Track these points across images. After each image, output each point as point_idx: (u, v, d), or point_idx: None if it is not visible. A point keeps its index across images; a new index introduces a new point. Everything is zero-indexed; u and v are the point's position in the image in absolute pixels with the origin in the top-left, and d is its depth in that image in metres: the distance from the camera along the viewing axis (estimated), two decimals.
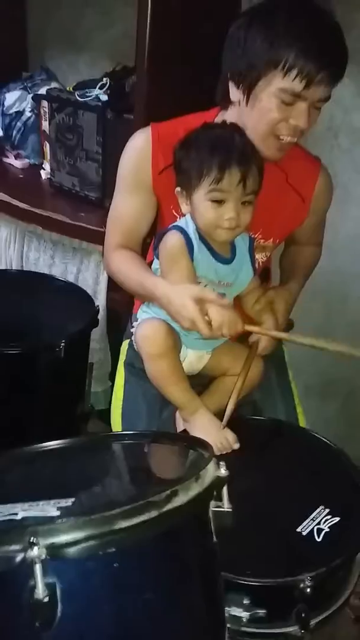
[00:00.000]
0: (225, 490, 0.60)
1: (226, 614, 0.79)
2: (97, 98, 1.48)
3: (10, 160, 1.92)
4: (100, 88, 1.48)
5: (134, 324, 1.18)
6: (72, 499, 0.54)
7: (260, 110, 0.99)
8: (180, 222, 1.03)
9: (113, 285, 1.60)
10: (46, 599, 0.46)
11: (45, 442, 0.80)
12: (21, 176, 1.87)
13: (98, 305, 1.47)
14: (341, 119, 1.48)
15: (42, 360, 1.30)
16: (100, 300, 1.66)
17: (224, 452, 0.97)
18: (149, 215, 1.16)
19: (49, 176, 1.75)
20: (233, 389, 1.04)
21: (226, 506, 0.60)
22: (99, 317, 1.64)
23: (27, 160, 1.89)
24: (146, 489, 0.54)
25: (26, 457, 0.78)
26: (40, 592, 0.46)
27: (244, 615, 0.79)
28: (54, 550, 0.47)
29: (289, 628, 0.80)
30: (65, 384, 1.37)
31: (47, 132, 1.69)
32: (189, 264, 1.00)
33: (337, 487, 0.92)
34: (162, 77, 1.31)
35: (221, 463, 0.61)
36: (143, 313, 1.13)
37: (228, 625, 0.79)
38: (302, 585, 0.76)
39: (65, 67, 1.90)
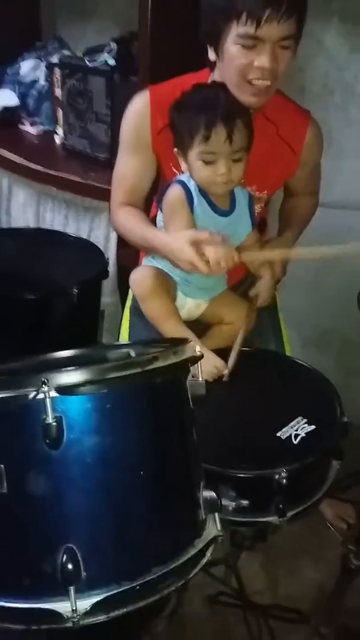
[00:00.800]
0: (199, 365, 0.73)
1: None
2: (106, 63, 1.58)
3: (27, 127, 2.03)
4: (108, 53, 1.57)
5: None
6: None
7: (229, 60, 1.06)
8: (182, 176, 1.12)
9: (123, 242, 1.72)
10: (55, 424, 0.61)
11: None
12: (36, 142, 1.98)
13: (108, 257, 1.59)
14: (336, 75, 1.55)
15: (57, 305, 1.42)
16: (111, 256, 1.77)
17: (216, 378, 1.07)
18: (150, 173, 1.25)
19: (62, 140, 1.85)
20: (234, 342, 1.13)
21: (200, 379, 0.73)
22: (110, 272, 1.77)
23: (41, 127, 2.00)
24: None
25: None
26: (50, 419, 0.61)
27: (230, 504, 0.91)
28: (60, 390, 0.61)
29: (269, 517, 0.93)
30: (78, 328, 1.48)
31: (60, 98, 1.79)
32: (189, 215, 1.09)
33: (315, 402, 1.03)
34: (164, 41, 1.40)
35: (197, 346, 0.74)
36: (146, 262, 1.24)
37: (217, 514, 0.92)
38: (278, 477, 0.88)
39: (76, 35, 1.99)
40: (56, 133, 1.92)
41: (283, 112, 1.21)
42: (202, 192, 1.10)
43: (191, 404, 0.73)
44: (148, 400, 0.67)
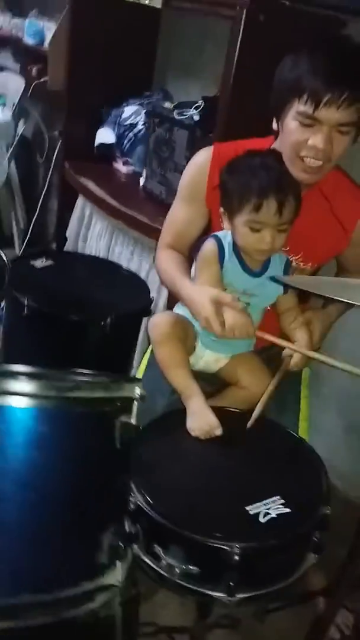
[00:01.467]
0: (135, 408, 0.72)
1: (164, 562, 0.89)
2: (191, 117, 1.66)
3: (119, 165, 2.17)
4: (195, 109, 1.66)
5: None
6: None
7: (286, 133, 1.09)
8: (220, 232, 1.15)
9: None
10: None
11: None
12: (123, 180, 2.11)
13: (154, 297, 1.63)
14: None
15: (91, 331, 1.48)
16: (162, 297, 1.82)
17: (208, 437, 1.04)
18: (199, 223, 1.29)
19: (144, 182, 1.95)
20: (263, 394, 1.10)
21: (133, 421, 0.71)
22: (159, 309, 1.81)
23: (132, 167, 2.13)
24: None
25: None
26: None
27: (179, 567, 0.87)
28: None
29: (217, 593, 0.87)
30: (108, 360, 1.53)
31: (149, 143, 1.90)
32: (217, 271, 1.11)
33: (300, 487, 0.97)
34: (242, 105, 1.45)
35: (138, 388, 0.73)
36: (177, 308, 1.26)
37: (165, 573, 0.89)
38: (230, 551, 0.83)
39: (180, 90, 2.11)
40: (142, 175, 2.03)
41: (339, 190, 1.21)
42: (236, 249, 1.12)
43: (118, 443, 0.72)
44: (60, 426, 0.68)
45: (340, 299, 0.92)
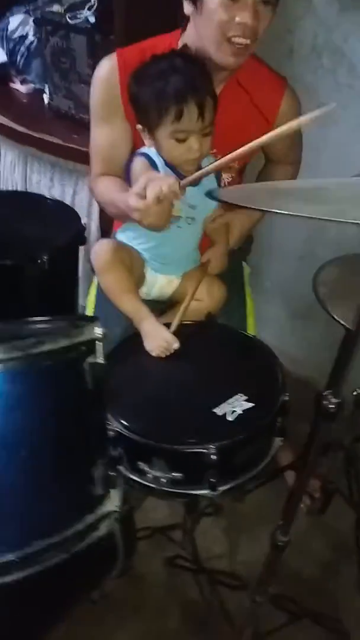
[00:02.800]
0: (100, 347, 0.73)
1: (149, 475, 0.94)
2: (87, 20, 1.53)
3: (17, 85, 2.00)
4: (89, 9, 1.52)
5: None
6: None
7: (208, 13, 1.02)
8: (144, 148, 1.08)
9: None
10: None
11: None
12: (25, 101, 1.95)
13: (85, 223, 1.58)
14: (324, 37, 1.47)
15: (28, 272, 1.41)
16: (94, 220, 1.77)
17: (167, 354, 1.06)
18: (125, 142, 1.20)
19: (49, 100, 1.82)
20: (182, 304, 1.12)
21: (100, 360, 0.73)
22: (93, 235, 1.76)
23: (32, 85, 1.97)
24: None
25: None
26: None
27: (164, 476, 0.93)
28: None
29: (201, 491, 0.94)
30: (52, 297, 1.49)
31: (45, 55, 1.75)
32: None
33: (259, 378, 1.03)
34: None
35: (97, 328, 0.74)
36: (120, 235, 1.23)
37: (152, 485, 0.94)
38: (208, 452, 0.89)
39: None
40: (45, 92, 1.88)
41: (257, 79, 1.16)
42: (168, 164, 1.07)
43: (90, 384, 0.73)
44: (34, 382, 0.68)
45: (275, 211, 0.91)
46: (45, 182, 1.86)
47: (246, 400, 0.97)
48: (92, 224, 1.78)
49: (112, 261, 1.11)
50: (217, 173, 1.15)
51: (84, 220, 1.59)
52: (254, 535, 1.51)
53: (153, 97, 1.00)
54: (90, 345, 0.72)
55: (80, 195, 1.79)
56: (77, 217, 1.57)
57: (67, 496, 0.72)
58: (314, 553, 1.46)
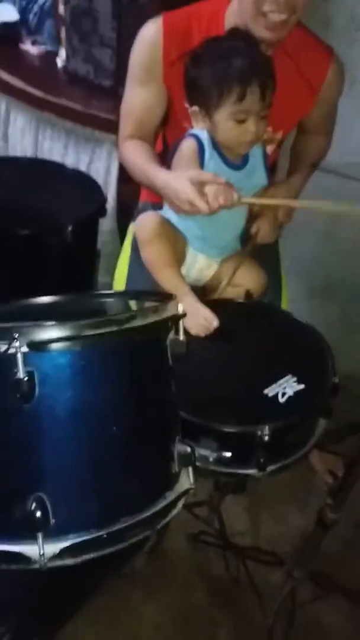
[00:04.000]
0: (181, 324, 0.71)
1: (196, 454, 0.93)
2: None
3: (27, 46, 1.90)
4: None
5: (139, 208, 1.26)
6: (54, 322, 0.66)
7: None
8: (195, 130, 1.07)
9: (124, 177, 1.66)
10: (26, 379, 0.61)
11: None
12: (37, 63, 1.86)
13: (106, 194, 1.53)
14: None
15: (50, 242, 1.38)
16: (110, 191, 1.71)
17: (207, 332, 1.04)
18: (160, 107, 1.19)
19: (64, 63, 1.74)
20: (234, 266, 1.14)
21: (181, 338, 0.71)
22: (109, 208, 1.71)
23: (43, 47, 1.88)
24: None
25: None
26: (21, 374, 0.61)
27: (212, 455, 0.92)
28: (32, 346, 0.61)
29: (249, 470, 0.93)
30: (73, 268, 1.46)
31: (63, 16, 1.66)
32: (197, 168, 1.05)
33: (308, 361, 1.01)
34: None
35: (179, 305, 0.72)
36: (164, 211, 1.19)
37: (198, 464, 0.93)
38: (260, 433, 0.88)
39: None
40: (59, 55, 1.80)
41: (304, 48, 1.14)
42: (216, 145, 1.06)
43: (170, 361, 0.71)
44: (124, 358, 0.67)
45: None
46: (58, 149, 1.79)
47: (296, 382, 0.96)
48: (109, 196, 1.72)
49: (158, 233, 1.09)
50: (264, 156, 1.14)
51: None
52: (275, 512, 1.52)
53: (215, 78, 0.99)
54: (174, 321, 0.70)
55: (97, 164, 1.73)
56: (99, 188, 1.53)
57: (152, 473, 0.72)
58: (337, 530, 1.47)
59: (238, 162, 1.10)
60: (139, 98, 1.18)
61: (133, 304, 0.83)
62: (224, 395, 0.95)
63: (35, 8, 1.81)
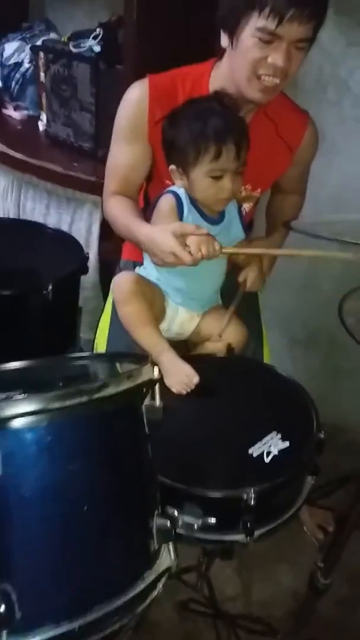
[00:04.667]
0: (157, 389, 0.69)
1: (180, 522, 0.89)
2: (91, 49, 1.51)
3: (9, 111, 1.96)
4: (94, 39, 1.51)
5: (121, 267, 1.27)
6: (24, 395, 0.63)
7: (242, 50, 1.03)
8: (174, 187, 1.10)
9: (106, 235, 1.68)
10: None
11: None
12: (19, 127, 1.91)
13: (88, 252, 1.54)
14: (329, 71, 1.50)
15: (31, 302, 1.37)
16: (92, 249, 1.73)
17: (188, 390, 1.02)
18: (144, 164, 1.21)
19: (45, 127, 1.79)
20: (225, 319, 1.16)
21: (157, 404, 0.69)
22: (91, 265, 1.72)
23: (25, 112, 1.94)
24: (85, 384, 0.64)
25: None
26: None
27: (196, 522, 0.88)
28: None
29: (236, 536, 0.90)
30: (54, 327, 1.45)
31: (44, 82, 1.72)
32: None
33: (291, 416, 0.99)
34: (151, 28, 1.34)
35: (155, 368, 0.70)
36: (141, 270, 1.20)
37: (181, 532, 0.89)
38: (246, 497, 0.85)
39: (64, 18, 1.91)
40: (40, 119, 1.85)
41: (283, 110, 1.18)
42: (193, 201, 1.09)
43: (147, 429, 0.69)
44: (95, 430, 0.63)
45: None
46: (40, 209, 1.81)
47: (281, 439, 0.94)
48: (91, 254, 1.74)
49: (134, 292, 1.09)
50: (239, 210, 1.17)
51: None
52: (266, 572, 1.46)
53: (191, 137, 1.01)
54: (149, 386, 0.68)
55: (78, 224, 1.75)
56: (79, 247, 1.54)
57: (129, 552, 0.66)
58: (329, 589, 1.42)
59: (215, 217, 1.12)
60: (125, 156, 1.21)
61: (107, 368, 0.81)
62: (207, 457, 0.92)
63: (18, 75, 1.87)
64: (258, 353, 1.27)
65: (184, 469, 0.89)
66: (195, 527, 0.88)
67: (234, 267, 1.21)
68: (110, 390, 0.61)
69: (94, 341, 1.85)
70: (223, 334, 1.17)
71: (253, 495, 0.85)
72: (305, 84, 1.53)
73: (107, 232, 1.57)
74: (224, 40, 1.07)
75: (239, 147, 1.01)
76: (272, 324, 1.94)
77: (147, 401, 0.68)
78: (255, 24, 0.99)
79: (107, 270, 1.77)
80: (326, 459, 0.98)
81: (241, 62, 1.04)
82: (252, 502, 0.85)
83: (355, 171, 1.64)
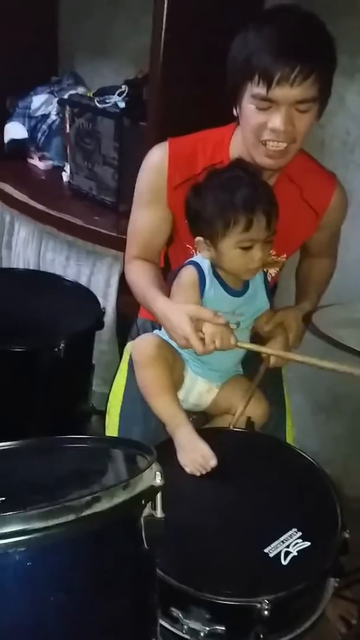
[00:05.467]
0: (159, 498, 0.60)
1: (185, 626, 0.79)
2: (116, 105, 1.51)
3: (35, 161, 1.96)
4: (119, 95, 1.50)
5: (138, 325, 1.26)
6: (3, 498, 0.55)
7: (245, 118, 1.01)
8: (196, 258, 1.07)
9: (124, 289, 1.63)
10: None
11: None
12: (43, 177, 1.91)
13: (104, 307, 1.50)
14: (356, 133, 1.45)
15: (43, 359, 1.33)
16: (110, 303, 1.68)
17: (202, 472, 0.95)
18: (165, 229, 1.19)
19: (69, 179, 1.78)
20: (248, 394, 1.09)
21: (159, 514, 0.60)
22: (108, 319, 1.67)
23: (50, 162, 1.94)
24: (74, 492, 0.55)
25: None
26: None
27: (203, 629, 0.79)
28: None
29: None
30: (66, 383, 1.39)
31: (69, 135, 1.72)
32: (197, 299, 1.03)
33: (314, 511, 0.90)
34: (175, 87, 1.32)
35: (157, 472, 0.61)
36: (161, 332, 1.15)
37: (187, 637, 0.80)
38: (260, 607, 0.76)
39: (92, 73, 1.93)
40: (64, 170, 1.85)
41: (307, 173, 1.14)
42: (216, 273, 1.04)
43: (146, 545, 0.60)
44: (82, 553, 0.54)
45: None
46: (60, 260, 1.78)
47: (301, 538, 0.84)
48: (109, 307, 1.69)
49: (155, 356, 1.04)
50: (265, 279, 1.12)
51: (100, 303, 1.52)
52: None
53: (219, 208, 0.97)
54: (149, 495, 0.59)
55: (97, 276, 1.71)
56: (96, 301, 1.50)
57: None
58: None
59: (239, 289, 1.07)
60: (145, 220, 1.18)
61: (107, 457, 0.73)
62: (218, 553, 0.83)
63: (45, 127, 1.88)
64: (281, 428, 1.18)
65: (192, 567, 0.80)
66: (202, 634, 0.79)
67: (257, 336, 1.15)
68: (103, 505, 0.52)
69: (106, 403, 1.79)
70: (238, 405, 1.10)
71: (267, 605, 0.75)
72: (332, 146, 1.49)
73: (126, 286, 1.53)
74: (235, 110, 1.05)
75: (269, 216, 0.97)
76: (295, 386, 1.85)
77: (146, 511, 0.59)
78: (250, 91, 0.97)
79: (124, 325, 1.72)
80: (351, 540, 0.87)
81: (246, 130, 1.02)
82: (266, 613, 0.75)
83: None
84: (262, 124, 0.98)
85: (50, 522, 0.50)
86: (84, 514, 0.51)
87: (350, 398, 1.81)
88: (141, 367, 1.06)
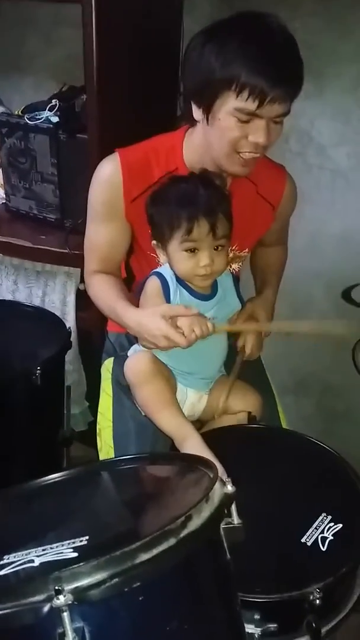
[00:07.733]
0: (234, 505, 0.60)
1: None
2: (48, 120, 1.46)
3: None
4: (50, 110, 1.45)
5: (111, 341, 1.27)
6: (86, 537, 0.52)
7: (220, 128, 1.00)
8: (159, 268, 1.07)
9: (81, 305, 1.60)
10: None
11: (31, 473, 0.78)
12: None
13: (69, 327, 1.45)
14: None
15: (18, 389, 1.28)
16: (70, 321, 1.64)
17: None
18: (124, 241, 1.18)
19: (4, 201, 1.70)
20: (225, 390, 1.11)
21: (236, 521, 0.60)
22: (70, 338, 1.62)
23: None
24: (157, 516, 0.53)
25: (23, 495, 0.75)
26: (70, 635, 0.45)
27: (256, 631, 0.78)
28: (79, 595, 0.46)
29: (300, 639, 0.80)
30: (44, 410, 1.36)
31: (0, 157, 1.65)
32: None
33: (337, 493, 0.92)
34: (113, 96, 1.31)
35: (227, 479, 0.61)
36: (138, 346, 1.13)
37: None
38: (311, 597, 0.77)
39: (9, 91, 1.86)
40: None
41: (261, 169, 1.16)
42: (180, 280, 1.05)
43: (228, 554, 0.59)
44: (184, 575, 0.52)
45: None
46: (7, 285, 1.71)
47: (332, 521, 0.86)
48: (69, 325, 1.63)
49: (151, 372, 1.03)
50: (234, 282, 1.14)
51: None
52: None
53: (166, 212, 1.00)
54: (227, 504, 0.58)
55: (51, 296, 1.66)
56: (60, 322, 1.46)
57: None
58: None
59: (207, 292, 1.07)
60: (103, 235, 1.16)
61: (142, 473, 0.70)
62: (259, 552, 0.83)
63: None
64: (275, 416, 1.21)
65: (236, 572, 0.79)
66: (255, 635, 0.79)
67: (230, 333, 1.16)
68: (196, 523, 0.50)
69: (78, 415, 1.74)
70: (238, 406, 1.11)
71: (317, 594, 0.76)
72: None
73: (84, 303, 1.49)
74: (197, 114, 1.03)
75: (213, 225, 0.98)
76: (276, 367, 1.89)
77: (224, 522, 0.58)
78: (233, 104, 0.96)
79: (86, 341, 1.68)
80: None
81: (219, 140, 1.01)
82: (318, 602, 0.77)
83: (325, 218, 1.64)
84: (242, 137, 0.99)
85: (155, 551, 0.48)
86: (182, 535, 0.50)
87: (315, 376, 1.88)
88: (139, 385, 1.05)
